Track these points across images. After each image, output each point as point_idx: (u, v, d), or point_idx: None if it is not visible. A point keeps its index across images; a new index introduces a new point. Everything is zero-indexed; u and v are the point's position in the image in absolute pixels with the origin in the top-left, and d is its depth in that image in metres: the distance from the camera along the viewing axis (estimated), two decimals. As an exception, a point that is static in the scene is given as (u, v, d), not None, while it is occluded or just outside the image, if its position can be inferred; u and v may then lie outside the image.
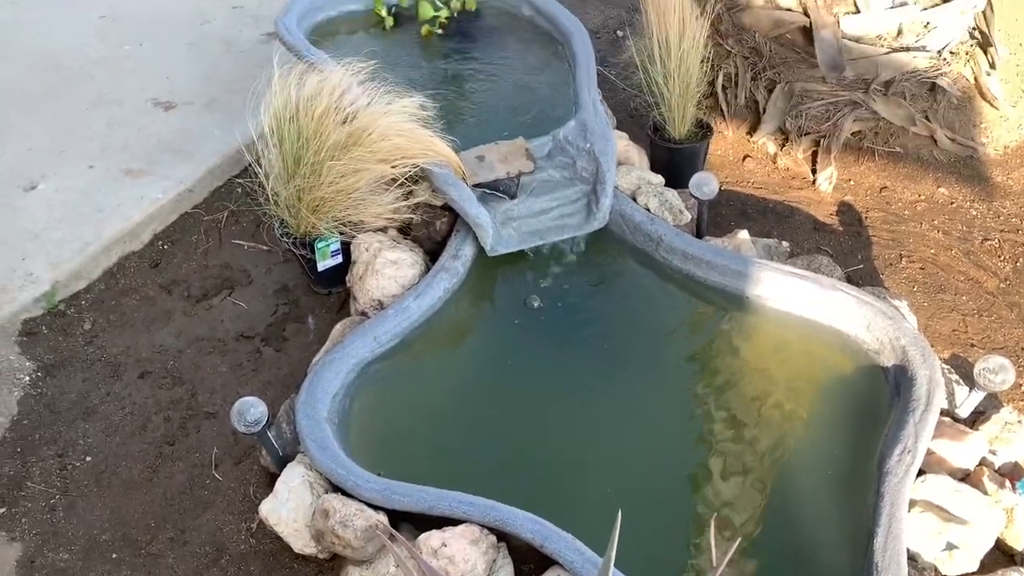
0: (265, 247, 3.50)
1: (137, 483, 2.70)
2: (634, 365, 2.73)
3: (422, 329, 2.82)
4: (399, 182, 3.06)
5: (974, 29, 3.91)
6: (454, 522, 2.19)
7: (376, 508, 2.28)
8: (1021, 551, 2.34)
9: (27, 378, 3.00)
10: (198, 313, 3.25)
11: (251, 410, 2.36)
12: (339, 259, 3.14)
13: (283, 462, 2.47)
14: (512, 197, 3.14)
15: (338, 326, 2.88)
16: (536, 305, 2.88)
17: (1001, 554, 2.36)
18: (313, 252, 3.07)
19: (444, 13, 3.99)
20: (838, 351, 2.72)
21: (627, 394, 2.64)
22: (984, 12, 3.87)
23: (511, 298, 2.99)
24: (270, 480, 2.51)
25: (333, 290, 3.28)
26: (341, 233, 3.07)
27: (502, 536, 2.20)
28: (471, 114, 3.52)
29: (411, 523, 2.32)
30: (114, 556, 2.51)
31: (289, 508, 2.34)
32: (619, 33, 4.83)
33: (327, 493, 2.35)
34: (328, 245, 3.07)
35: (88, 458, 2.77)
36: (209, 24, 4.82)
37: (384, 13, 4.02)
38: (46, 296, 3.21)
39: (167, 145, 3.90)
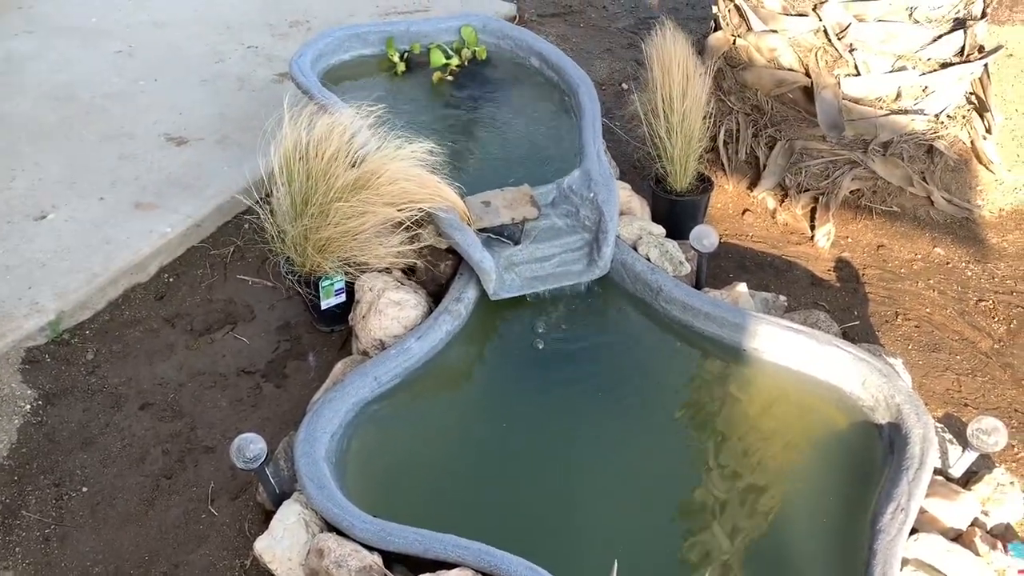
0: (269, 283, 3.52)
1: (132, 516, 2.68)
2: (630, 414, 2.72)
3: (423, 370, 2.83)
4: (405, 225, 3.07)
5: (971, 94, 3.97)
6: (448, 565, 2.18)
7: (371, 549, 2.27)
8: (1013, 614, 2.31)
9: (28, 407, 3.00)
10: (200, 347, 3.26)
11: (250, 446, 2.36)
12: (342, 298, 3.15)
13: (280, 499, 2.46)
14: (516, 243, 3.16)
15: (339, 365, 2.88)
16: (541, 346, 2.90)
17: (992, 616, 2.34)
18: (317, 290, 3.08)
19: (455, 61, 4.05)
20: (833, 406, 2.72)
21: (622, 443, 2.63)
22: (981, 78, 3.93)
23: (511, 342, 2.99)
24: (266, 517, 2.49)
25: (335, 328, 3.29)
26: (346, 273, 3.08)
27: (496, 581, 2.17)
28: (478, 160, 3.54)
29: (405, 565, 2.30)
30: (106, 589, 2.47)
31: (284, 546, 2.33)
32: (624, 86, 4.89)
33: (322, 532, 2.34)
34: (332, 284, 3.09)
35: (85, 489, 2.76)
36: (223, 63, 4.89)
37: (396, 59, 4.07)
38: (51, 325, 3.23)
39: (177, 180, 3.93)
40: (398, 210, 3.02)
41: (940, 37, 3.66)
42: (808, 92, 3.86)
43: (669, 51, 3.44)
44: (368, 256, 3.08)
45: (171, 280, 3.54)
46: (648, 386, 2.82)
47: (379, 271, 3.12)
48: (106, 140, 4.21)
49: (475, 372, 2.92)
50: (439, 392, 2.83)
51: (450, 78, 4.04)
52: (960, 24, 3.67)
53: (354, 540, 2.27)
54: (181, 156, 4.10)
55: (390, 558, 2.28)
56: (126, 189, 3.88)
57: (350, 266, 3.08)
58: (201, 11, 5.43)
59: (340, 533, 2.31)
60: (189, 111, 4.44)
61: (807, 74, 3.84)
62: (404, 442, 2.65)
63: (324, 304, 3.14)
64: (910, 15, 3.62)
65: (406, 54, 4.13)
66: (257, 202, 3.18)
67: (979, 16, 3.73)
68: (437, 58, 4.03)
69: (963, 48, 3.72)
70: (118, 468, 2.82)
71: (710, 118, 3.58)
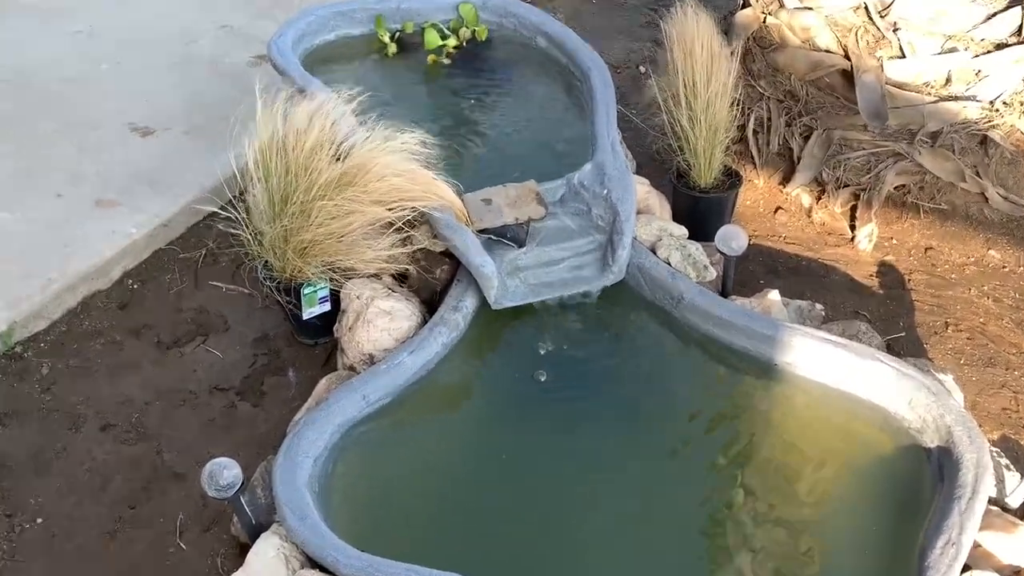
0: (245, 290, 3.53)
1: (92, 551, 2.68)
2: (647, 436, 2.72)
3: (416, 387, 2.82)
4: (396, 226, 3.08)
5: (1030, 78, 3.94)
6: (443, 606, 2.17)
7: (358, 587, 2.25)
8: (1075, 660, 2.28)
9: (-24, 427, 2.98)
10: (168, 361, 3.27)
11: (224, 473, 2.36)
12: (327, 307, 3.15)
13: (256, 531, 2.46)
14: (520, 245, 3.16)
15: (323, 381, 2.88)
16: (543, 378, 2.91)
17: (1054, 663, 2.32)
18: (298, 298, 3.08)
19: (452, 42, 4.07)
20: (876, 428, 2.70)
21: (638, 468, 2.63)
22: (1040, 60, 3.90)
23: (515, 356, 2.99)
24: (241, 551, 2.48)
25: (319, 341, 3.29)
26: (330, 279, 3.08)
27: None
28: (477, 153, 3.53)
29: (396, 605, 2.28)
30: (62, 632, 2.46)
31: (261, 584, 2.31)
32: (642, 69, 4.92)
33: (304, 568, 2.33)
34: (315, 291, 3.09)
35: (39, 520, 2.76)
36: (194, 44, 4.91)
37: (387, 39, 4.09)
38: (1, 337, 3.24)
39: (143, 175, 3.95)
40: (388, 209, 3.02)
41: (995, 15, 3.64)
42: (847, 76, 3.86)
43: (692, 30, 3.42)
44: (355, 260, 3.07)
45: (136, 287, 3.56)
46: (668, 405, 2.82)
47: (367, 277, 3.12)
48: (64, 130, 4.23)
49: (473, 389, 2.92)
50: (434, 413, 2.82)
51: (446, 61, 4.05)
52: (1016, 1, 3.65)
53: (339, 577, 2.25)
54: (147, 148, 4.12)
55: (379, 597, 2.26)
56: (86, 185, 3.89)
57: (335, 271, 3.07)
58: (170, -13, 5.44)
59: (323, 569, 2.30)
60: (156, 98, 4.45)
61: (846, 56, 3.84)
62: (394, 468, 2.64)
63: (306, 314, 3.14)
64: (961, -10, 3.60)
65: (397, 34, 4.14)
66: (231, 200, 3.19)
67: (1038, -9, 3.71)
68: (432, 39, 4.04)
69: (1020, 27, 3.70)
70: (77, 497, 2.82)
71: (738, 105, 3.57)
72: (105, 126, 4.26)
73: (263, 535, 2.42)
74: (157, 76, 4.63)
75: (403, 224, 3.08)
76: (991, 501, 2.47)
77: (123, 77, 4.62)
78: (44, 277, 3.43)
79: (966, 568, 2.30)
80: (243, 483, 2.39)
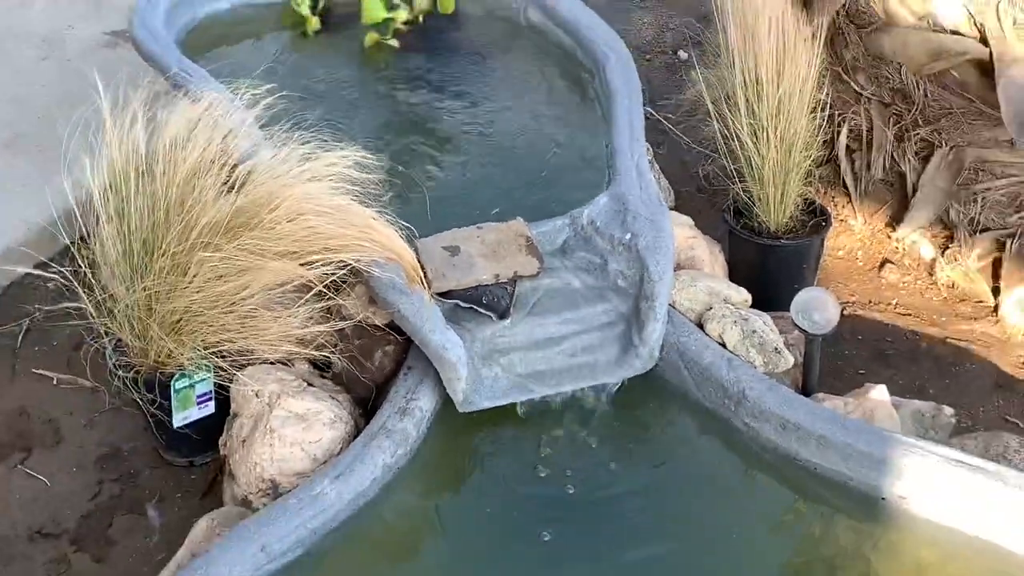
0: (87, 383, 3.51)
1: None
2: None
3: (343, 533, 2.76)
4: (316, 290, 3.07)
5: None
6: None
7: None
8: None
9: None
10: (-35, 493, 3.21)
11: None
12: (209, 409, 3.16)
13: None
14: (502, 316, 3.18)
15: (202, 522, 2.84)
16: (547, 537, 2.85)
17: None
18: (166, 396, 3.06)
19: (403, 15, 4.11)
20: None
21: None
22: None
23: (493, 485, 2.98)
24: None
25: (197, 460, 3.29)
26: (215, 368, 3.07)
27: None
28: (440, 179, 3.56)
29: None
30: None
31: None
32: (681, 55, 4.96)
33: None
34: (192, 386, 3.09)
35: None
36: (24, 9, 4.89)
37: (306, 10, 4.12)
38: None
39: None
40: (304, 264, 3.03)
41: None
42: (984, 69, 3.85)
43: (755, 1, 3.45)
44: (253, 341, 3.07)
45: (-85, 377, 3.51)
46: (725, 560, 2.78)
47: (271, 364, 3.12)
48: None
49: (432, 536, 2.90)
50: (369, 571, 2.78)
51: (394, 43, 4.10)
52: None
53: None
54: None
55: None
56: None
57: (222, 357, 3.06)
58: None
59: None
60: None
61: (983, 41, 3.83)
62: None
63: (179, 419, 3.12)
64: None
65: (322, 2, 4.18)
66: (69, 248, 3.17)
67: None
68: (375, 10, 4.07)
69: None
70: None
71: (824, 111, 3.59)
72: None
73: None
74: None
75: (326, 287, 3.08)
76: None
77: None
78: None
79: None
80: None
